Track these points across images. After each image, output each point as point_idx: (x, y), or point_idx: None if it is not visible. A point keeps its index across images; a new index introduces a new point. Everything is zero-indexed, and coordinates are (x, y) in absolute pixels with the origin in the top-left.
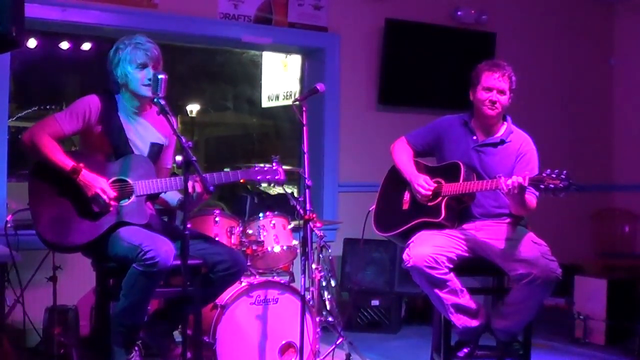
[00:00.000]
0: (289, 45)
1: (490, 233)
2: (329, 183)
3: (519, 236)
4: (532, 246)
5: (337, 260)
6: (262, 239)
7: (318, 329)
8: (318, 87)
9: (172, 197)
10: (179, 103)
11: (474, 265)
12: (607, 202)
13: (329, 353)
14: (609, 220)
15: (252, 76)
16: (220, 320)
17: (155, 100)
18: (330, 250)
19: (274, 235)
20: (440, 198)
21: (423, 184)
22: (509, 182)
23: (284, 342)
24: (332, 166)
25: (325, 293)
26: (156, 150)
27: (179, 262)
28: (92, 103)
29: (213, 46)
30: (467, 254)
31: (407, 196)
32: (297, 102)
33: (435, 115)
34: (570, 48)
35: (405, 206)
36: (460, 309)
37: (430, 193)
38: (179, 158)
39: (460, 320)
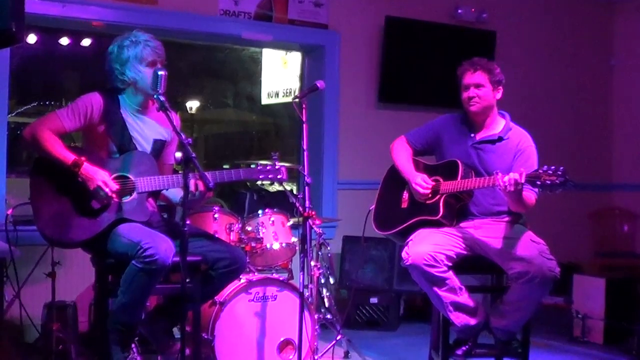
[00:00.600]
0: (289, 42)
1: (489, 231)
2: (328, 180)
3: (517, 234)
4: (530, 245)
5: (336, 257)
6: (261, 236)
7: (317, 326)
8: (318, 85)
9: (176, 194)
10: (178, 100)
11: (473, 264)
12: (606, 201)
13: (327, 350)
14: (608, 220)
15: (252, 73)
16: (219, 316)
17: (155, 96)
18: (329, 248)
19: (273, 232)
20: (438, 196)
21: (421, 182)
22: (506, 178)
23: (282, 339)
24: (331, 164)
25: (324, 290)
26: (159, 147)
27: (178, 258)
28: (94, 101)
29: (213, 43)
30: (465, 252)
31: (406, 195)
32: (297, 100)
33: (435, 113)
34: (570, 47)
35: (404, 205)
36: (458, 307)
37: (428, 191)
38: (178, 155)
39: (458, 319)
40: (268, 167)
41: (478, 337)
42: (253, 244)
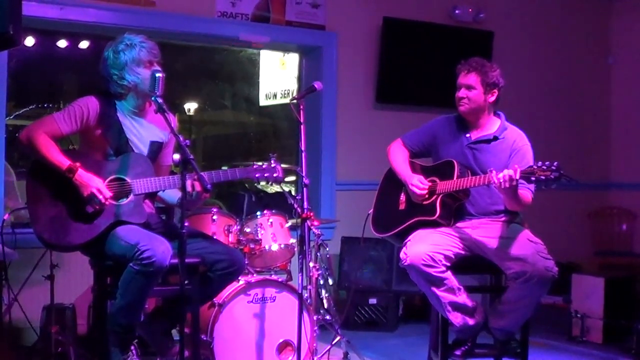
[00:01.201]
0: (287, 43)
1: (486, 231)
2: (326, 181)
3: (515, 234)
4: (528, 244)
5: (335, 258)
6: (259, 237)
7: (315, 328)
8: (315, 86)
9: (173, 195)
10: (176, 101)
11: (471, 264)
12: (604, 200)
13: (326, 351)
14: (606, 219)
15: (250, 74)
16: (218, 318)
17: (153, 98)
18: (327, 249)
19: (272, 233)
20: (435, 196)
21: (417, 183)
22: (500, 175)
23: (281, 340)
24: (329, 165)
25: (323, 291)
26: (156, 149)
27: (176, 260)
28: (90, 104)
29: (211, 44)
30: (464, 252)
31: (403, 196)
32: (295, 101)
33: (433, 114)
34: (568, 46)
35: (402, 206)
36: (457, 307)
37: (425, 192)
38: (176, 156)
39: (457, 319)
40: (264, 166)
41: (477, 337)
42: (251, 246)
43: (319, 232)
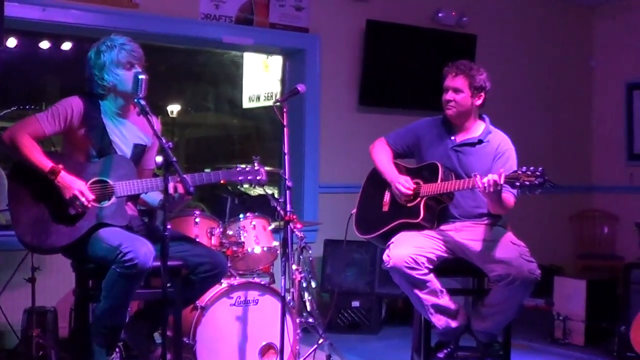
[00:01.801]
0: (270, 46)
1: (470, 234)
2: (309, 184)
3: (498, 237)
4: (511, 247)
5: (318, 261)
6: (242, 240)
7: (298, 330)
8: (299, 88)
9: (154, 197)
10: (159, 103)
11: (454, 266)
12: (587, 203)
13: (309, 354)
14: (588, 222)
15: (233, 77)
16: (201, 321)
17: (136, 100)
18: (310, 252)
19: (255, 236)
20: (419, 199)
21: (404, 183)
22: (485, 180)
23: (264, 343)
24: (312, 167)
25: (306, 294)
26: (139, 152)
27: (159, 263)
28: (74, 104)
29: (194, 47)
30: (447, 255)
31: (387, 197)
32: (278, 103)
33: (416, 117)
34: (550, 50)
35: (385, 208)
36: (440, 309)
37: (411, 192)
38: (159, 159)
39: (440, 321)
40: (247, 169)
41: (459, 339)
42: (234, 248)
43: (302, 235)
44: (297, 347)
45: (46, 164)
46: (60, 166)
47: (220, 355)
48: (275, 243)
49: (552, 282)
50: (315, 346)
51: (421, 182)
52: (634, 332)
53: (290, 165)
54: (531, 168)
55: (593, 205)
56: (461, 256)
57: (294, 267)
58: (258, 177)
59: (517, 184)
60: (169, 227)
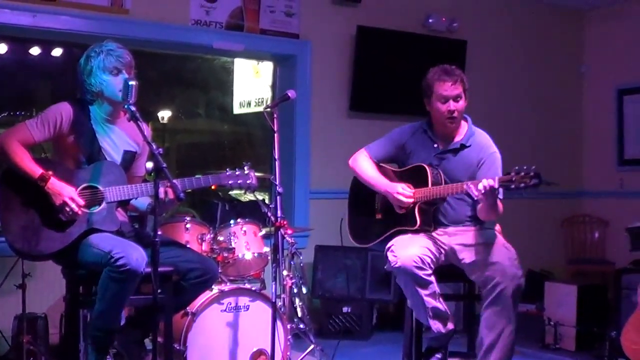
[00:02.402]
0: (261, 52)
1: (463, 238)
2: (300, 190)
3: (491, 240)
4: (503, 250)
5: (309, 267)
6: (233, 245)
7: (289, 336)
8: (289, 94)
9: (142, 201)
10: (150, 109)
11: (446, 272)
12: (577, 208)
13: None
14: (579, 227)
15: (224, 83)
16: (191, 327)
17: (126, 106)
18: (301, 257)
19: (245, 242)
20: (412, 205)
21: (403, 192)
22: (480, 186)
23: (255, 349)
24: (303, 173)
25: (297, 300)
26: (129, 158)
27: (149, 269)
28: (64, 111)
29: (184, 53)
30: (443, 259)
31: (377, 205)
32: (269, 109)
33: (406, 122)
34: (541, 55)
35: (379, 215)
36: (437, 313)
37: (412, 201)
38: (149, 165)
39: (436, 325)
40: (237, 173)
41: (449, 345)
42: (225, 254)
43: (293, 241)
44: (288, 353)
45: (36, 170)
46: (50, 173)
47: None
48: (266, 249)
49: (542, 288)
50: (307, 352)
51: (411, 187)
52: (625, 337)
53: (280, 171)
54: (524, 168)
55: (584, 210)
56: (452, 262)
57: (284, 273)
58: (248, 181)
59: (512, 187)
60: (159, 232)
